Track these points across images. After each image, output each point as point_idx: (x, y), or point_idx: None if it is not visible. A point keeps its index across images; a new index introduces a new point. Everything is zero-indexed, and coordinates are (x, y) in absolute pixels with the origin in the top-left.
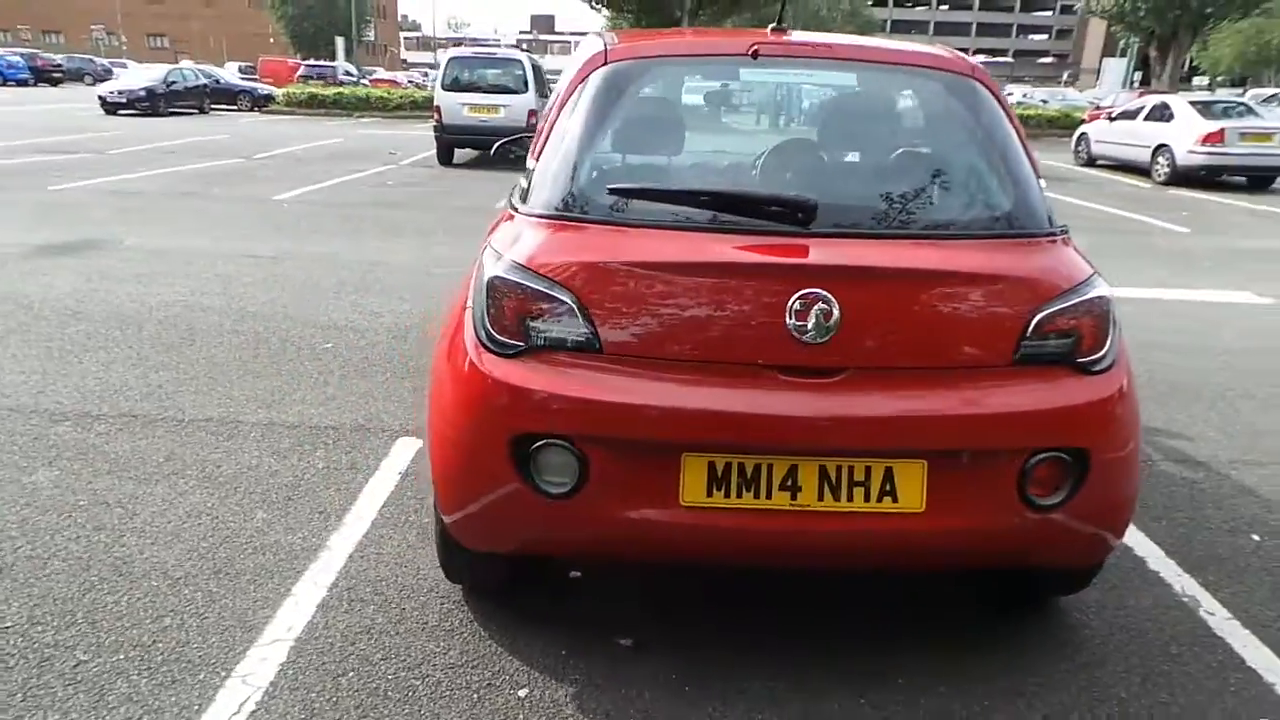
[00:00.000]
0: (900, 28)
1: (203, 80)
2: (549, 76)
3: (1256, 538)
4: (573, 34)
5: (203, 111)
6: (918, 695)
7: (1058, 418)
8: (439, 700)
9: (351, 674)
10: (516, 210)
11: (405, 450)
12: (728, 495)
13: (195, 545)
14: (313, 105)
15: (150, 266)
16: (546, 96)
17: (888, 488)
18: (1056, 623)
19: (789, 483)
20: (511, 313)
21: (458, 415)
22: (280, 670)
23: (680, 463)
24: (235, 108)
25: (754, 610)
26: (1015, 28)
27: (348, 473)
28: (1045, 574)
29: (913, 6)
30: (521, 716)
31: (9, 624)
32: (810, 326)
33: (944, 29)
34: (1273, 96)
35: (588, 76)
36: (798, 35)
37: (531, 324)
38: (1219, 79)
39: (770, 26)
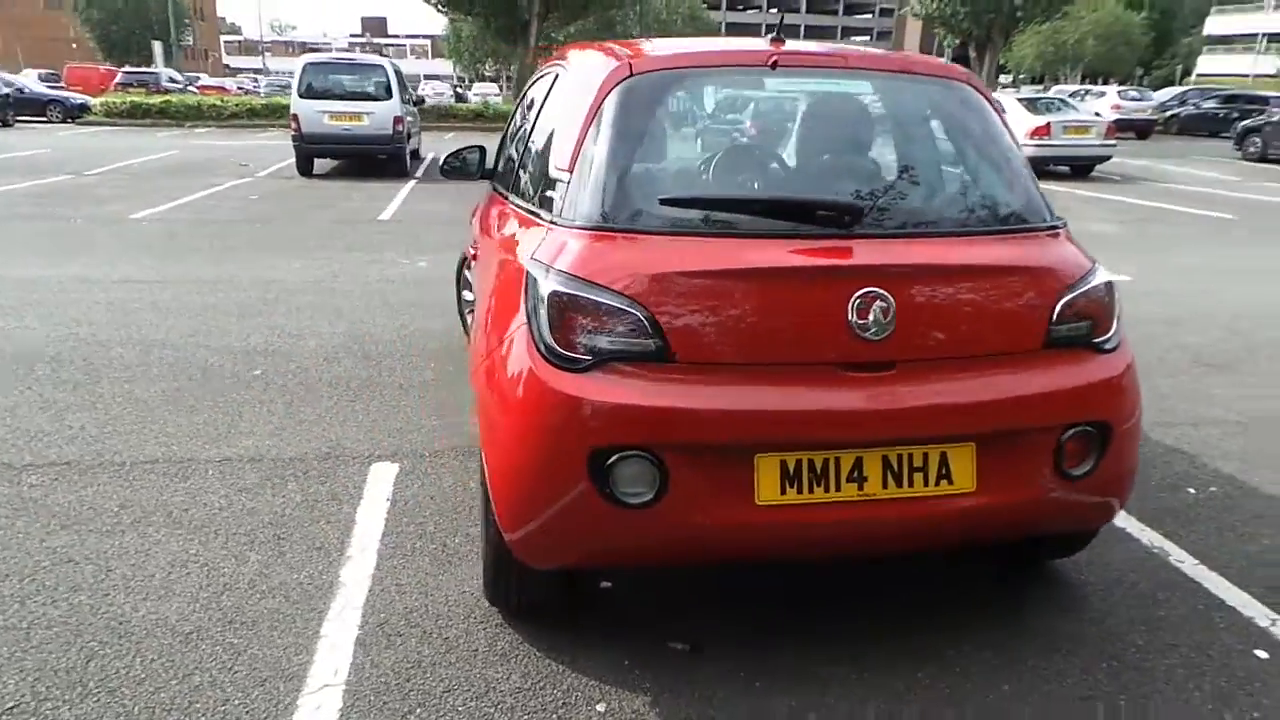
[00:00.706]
0: (734, 30)
1: (4, 90)
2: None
3: (1193, 490)
4: (408, 37)
5: (6, 124)
6: (969, 665)
7: (1085, 394)
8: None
9: (420, 710)
10: (555, 223)
11: (383, 476)
12: (800, 492)
13: (194, 596)
14: (136, 115)
15: (16, 298)
16: (409, 103)
17: (944, 471)
18: (1059, 585)
19: (855, 474)
20: (577, 326)
21: (529, 433)
22: (342, 716)
23: (754, 464)
24: (45, 119)
25: (790, 602)
26: (839, 30)
27: (331, 504)
28: (1051, 540)
29: (744, 10)
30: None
31: (12, 704)
32: (871, 323)
33: (774, 31)
34: (1077, 91)
35: (614, 88)
36: (798, 44)
37: (599, 336)
38: (1021, 77)
39: (770, 36)
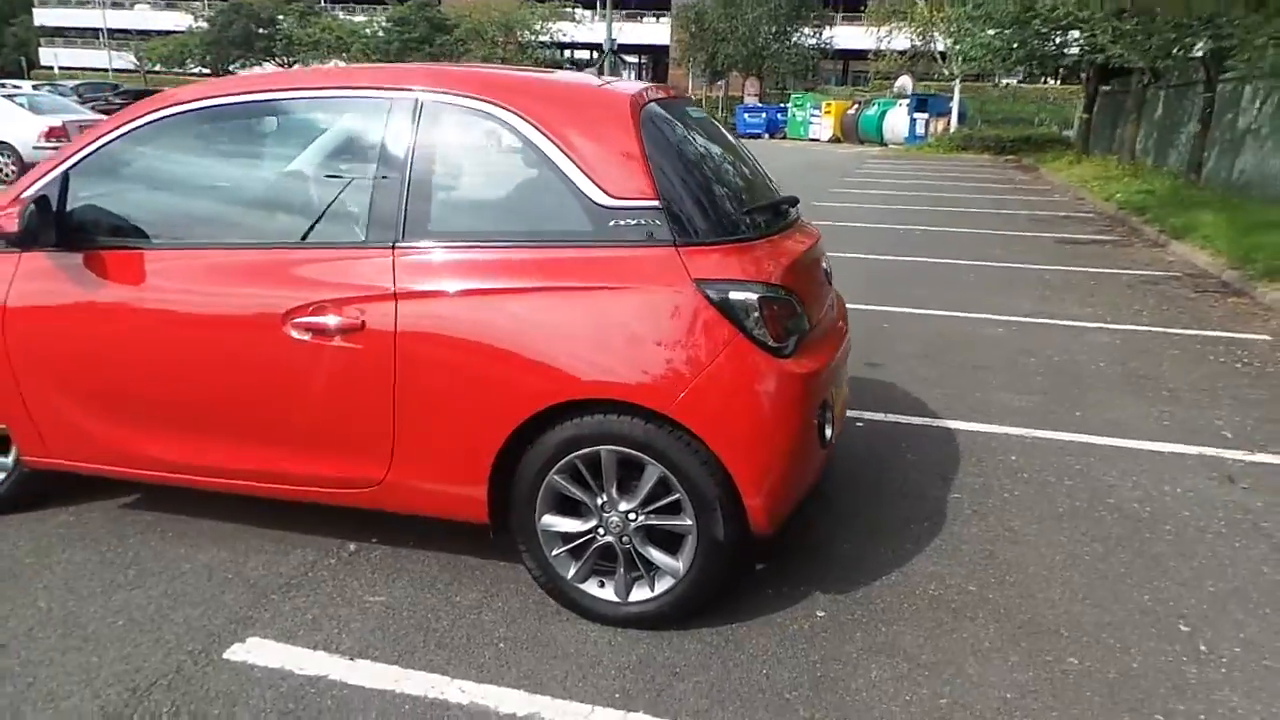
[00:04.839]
0: None
1: None
2: None
3: None
4: None
5: None
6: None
7: None
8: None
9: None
10: (692, 242)
11: (291, 658)
12: None
13: None
14: None
15: None
16: None
17: None
18: None
19: None
20: (781, 321)
21: (794, 411)
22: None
23: None
24: None
25: None
26: None
27: None
28: None
29: None
30: (818, 633)
31: None
32: None
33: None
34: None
35: (640, 112)
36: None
37: (787, 324)
38: None
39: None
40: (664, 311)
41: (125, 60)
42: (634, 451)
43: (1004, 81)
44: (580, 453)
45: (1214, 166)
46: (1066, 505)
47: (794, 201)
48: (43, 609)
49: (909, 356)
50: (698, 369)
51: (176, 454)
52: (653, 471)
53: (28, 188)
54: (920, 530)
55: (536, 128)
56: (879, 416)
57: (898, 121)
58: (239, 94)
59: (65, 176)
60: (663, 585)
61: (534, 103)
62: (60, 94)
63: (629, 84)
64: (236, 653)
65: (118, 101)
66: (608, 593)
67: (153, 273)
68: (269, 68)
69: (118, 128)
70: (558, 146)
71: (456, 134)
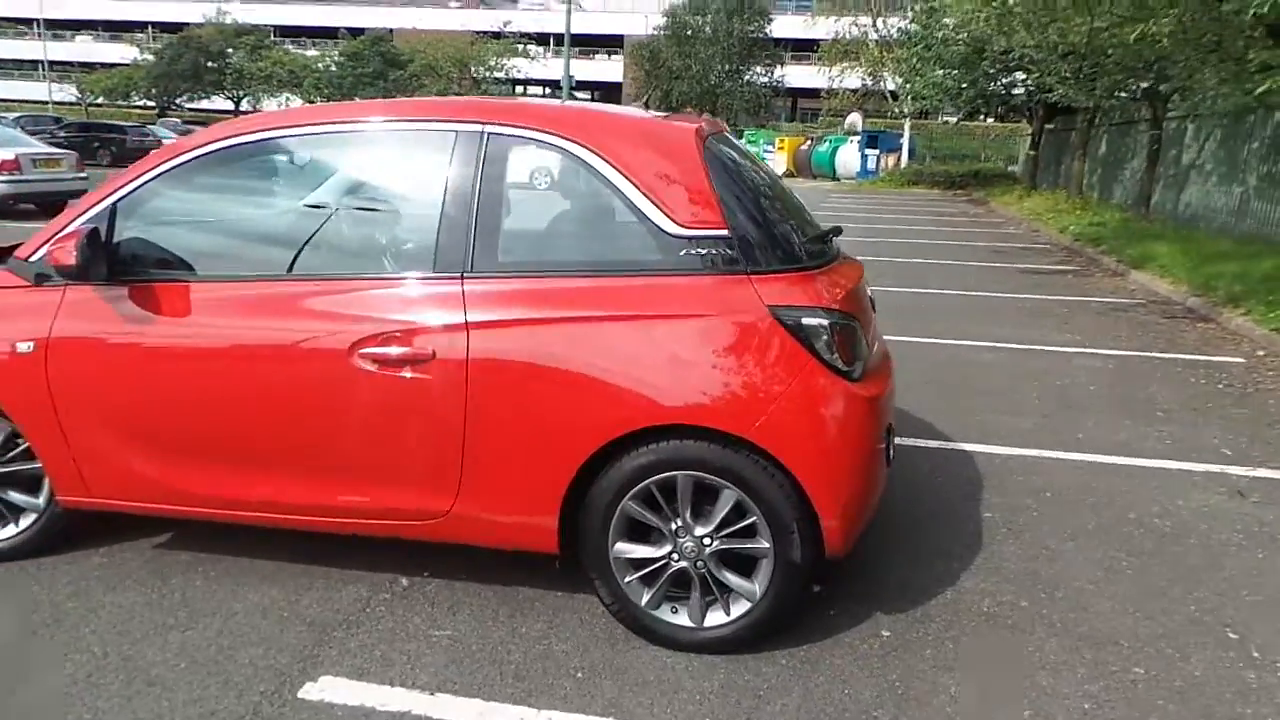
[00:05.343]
0: None
1: None
2: None
3: None
4: None
5: None
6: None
7: None
8: (826, 644)
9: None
10: (760, 270)
11: (373, 697)
12: None
13: None
14: None
15: None
16: None
17: None
18: None
19: None
20: (849, 346)
21: (867, 433)
22: None
23: None
24: None
25: None
26: None
27: None
28: None
29: None
30: (888, 652)
31: None
32: None
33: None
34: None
35: (704, 144)
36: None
37: (855, 350)
38: None
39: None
40: (740, 337)
41: (66, 93)
42: (711, 476)
43: (948, 119)
44: (656, 478)
45: (1160, 200)
46: (1094, 522)
47: (838, 232)
48: (97, 654)
49: (912, 383)
50: (775, 393)
51: (231, 490)
52: (729, 495)
53: (72, 221)
54: (962, 550)
55: (604, 159)
56: (897, 440)
57: (849, 157)
58: (305, 125)
59: (113, 209)
60: (738, 609)
61: (601, 136)
62: (4, 126)
63: (689, 118)
64: (311, 692)
65: (62, 135)
66: (682, 618)
67: (208, 305)
68: (218, 102)
69: (168, 160)
70: (626, 178)
71: (524, 166)
